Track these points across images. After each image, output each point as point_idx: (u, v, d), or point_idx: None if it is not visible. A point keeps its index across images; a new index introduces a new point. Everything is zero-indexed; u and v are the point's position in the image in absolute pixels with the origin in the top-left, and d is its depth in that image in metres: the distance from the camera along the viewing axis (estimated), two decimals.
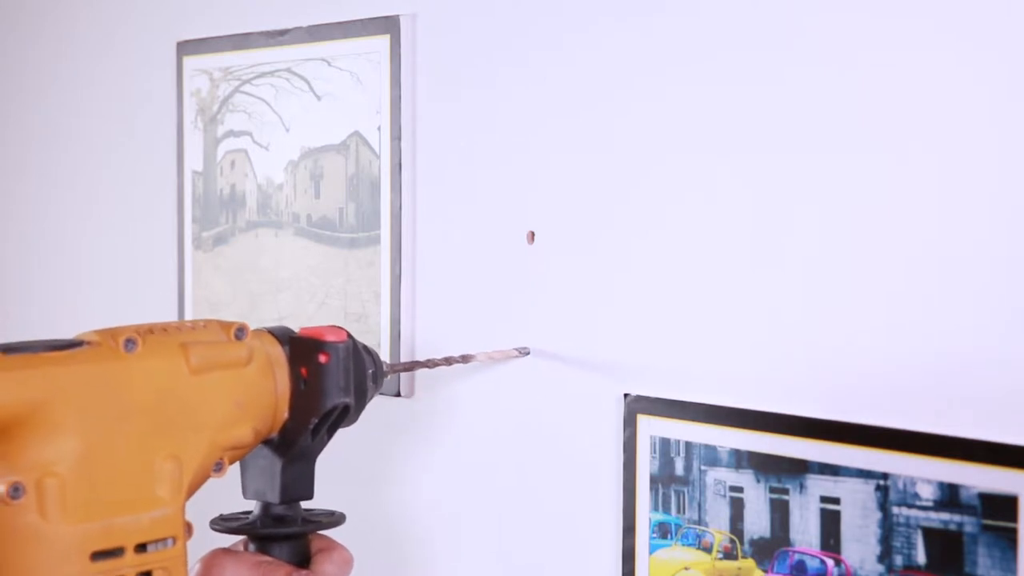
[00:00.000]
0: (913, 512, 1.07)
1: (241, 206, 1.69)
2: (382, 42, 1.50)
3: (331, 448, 1.61)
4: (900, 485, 1.08)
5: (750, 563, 1.18)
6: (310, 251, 1.60)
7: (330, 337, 0.92)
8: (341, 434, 1.62)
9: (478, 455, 1.44)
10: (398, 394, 1.49)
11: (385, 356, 1.50)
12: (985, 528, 1.03)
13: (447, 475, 1.48)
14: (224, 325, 0.88)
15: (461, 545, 1.46)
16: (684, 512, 1.23)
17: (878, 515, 1.09)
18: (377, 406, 1.52)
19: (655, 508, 1.25)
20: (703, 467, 1.22)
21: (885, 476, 1.09)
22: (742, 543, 1.19)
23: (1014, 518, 1.01)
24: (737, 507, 1.19)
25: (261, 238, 1.67)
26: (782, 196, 1.17)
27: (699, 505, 1.22)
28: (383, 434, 1.53)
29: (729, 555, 1.20)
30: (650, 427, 1.26)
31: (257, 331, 0.90)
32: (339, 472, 1.58)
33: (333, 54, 1.57)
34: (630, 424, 1.27)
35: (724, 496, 1.20)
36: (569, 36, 1.34)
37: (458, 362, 1.35)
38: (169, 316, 1.80)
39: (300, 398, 0.91)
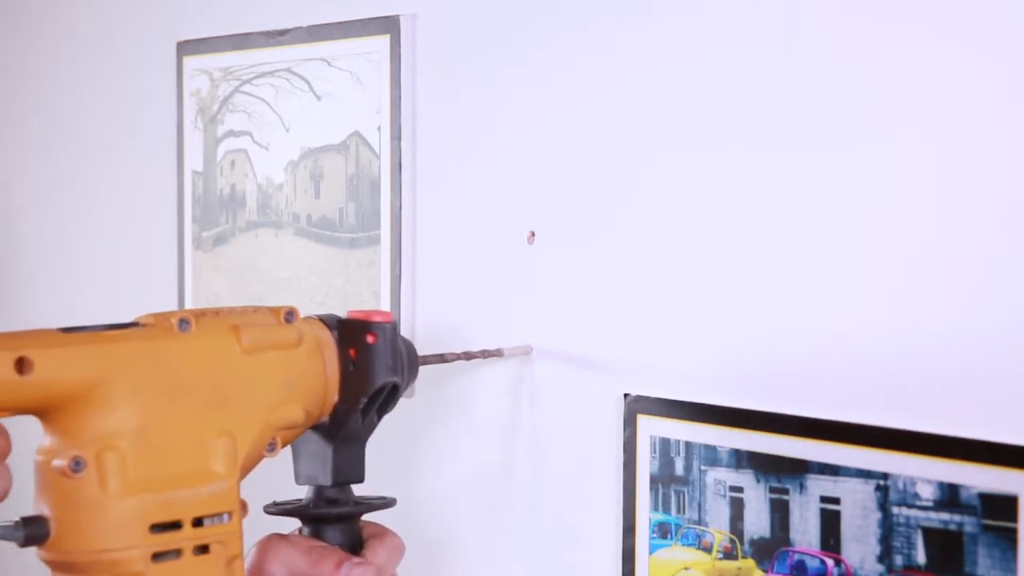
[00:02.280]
0: (913, 512, 1.07)
1: (241, 206, 1.69)
2: (382, 42, 1.50)
3: None
4: (900, 485, 1.08)
5: (750, 563, 1.18)
6: (310, 251, 1.60)
7: (377, 318, 0.94)
8: None
9: (478, 455, 1.44)
10: None
11: None
12: (985, 528, 1.03)
13: (446, 475, 1.48)
14: (274, 310, 0.90)
15: (461, 545, 1.46)
16: (684, 512, 1.23)
17: (878, 515, 1.09)
18: None
19: (655, 508, 1.25)
20: (703, 467, 1.21)
21: (885, 476, 1.09)
22: (742, 543, 1.19)
23: (1014, 518, 1.01)
24: (737, 507, 1.19)
25: (261, 238, 1.67)
26: (782, 196, 1.17)
27: (699, 505, 1.22)
28: (382, 433, 1.53)
29: (729, 555, 1.20)
30: (650, 427, 1.26)
31: (306, 317, 0.93)
32: None
33: (333, 54, 1.57)
34: (630, 424, 1.27)
35: (724, 496, 1.20)
36: (569, 36, 1.34)
37: (493, 355, 1.36)
38: None
39: (349, 379, 0.93)
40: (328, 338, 0.93)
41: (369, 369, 0.93)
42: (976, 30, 1.05)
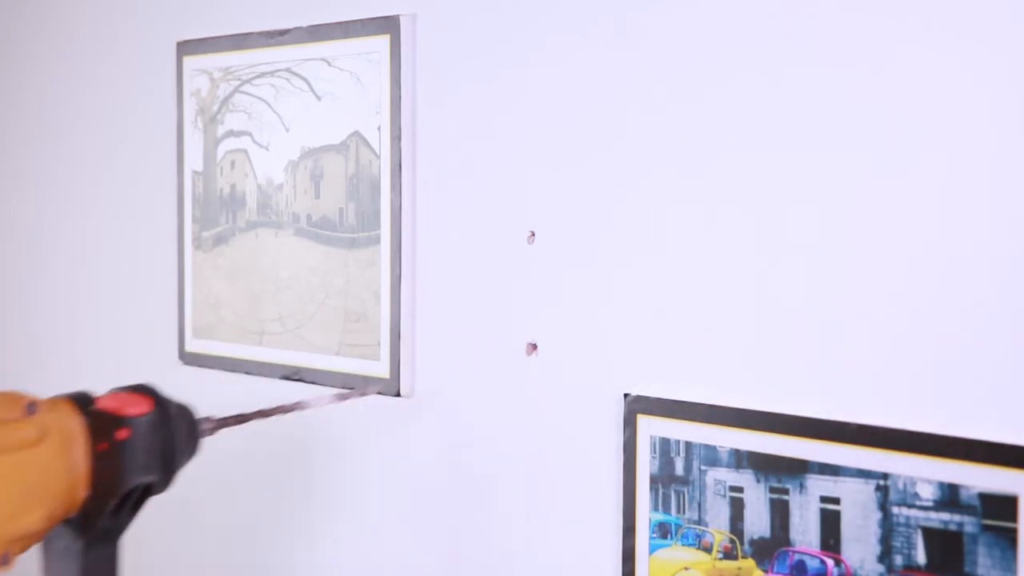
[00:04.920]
0: (913, 512, 1.07)
1: (241, 206, 1.69)
2: (382, 42, 1.50)
3: (331, 447, 1.61)
4: (900, 485, 1.08)
5: (750, 563, 1.18)
6: (310, 251, 1.60)
7: (131, 410, 0.85)
8: (340, 433, 1.61)
9: (478, 455, 1.44)
10: (398, 394, 1.49)
11: (385, 356, 1.50)
12: (985, 528, 1.03)
13: (446, 475, 1.47)
14: (14, 399, 0.80)
15: (461, 545, 1.46)
16: (684, 512, 1.23)
17: (878, 515, 1.09)
18: (377, 405, 1.52)
19: (655, 508, 1.25)
20: (703, 467, 1.21)
21: (885, 476, 1.09)
22: (742, 543, 1.19)
23: (1014, 518, 1.01)
24: (737, 507, 1.19)
25: (261, 238, 1.67)
26: (782, 196, 1.17)
27: (699, 505, 1.22)
28: (383, 433, 1.53)
29: (729, 555, 1.20)
30: (650, 427, 1.26)
31: (54, 401, 0.83)
32: (338, 471, 1.58)
33: (333, 54, 1.56)
34: (630, 424, 1.27)
35: (724, 496, 1.20)
36: (569, 36, 1.34)
37: (301, 408, 1.25)
38: (169, 316, 1.80)
39: (100, 475, 0.85)
40: (77, 428, 0.83)
41: (120, 468, 0.85)
42: (977, 29, 1.05)
